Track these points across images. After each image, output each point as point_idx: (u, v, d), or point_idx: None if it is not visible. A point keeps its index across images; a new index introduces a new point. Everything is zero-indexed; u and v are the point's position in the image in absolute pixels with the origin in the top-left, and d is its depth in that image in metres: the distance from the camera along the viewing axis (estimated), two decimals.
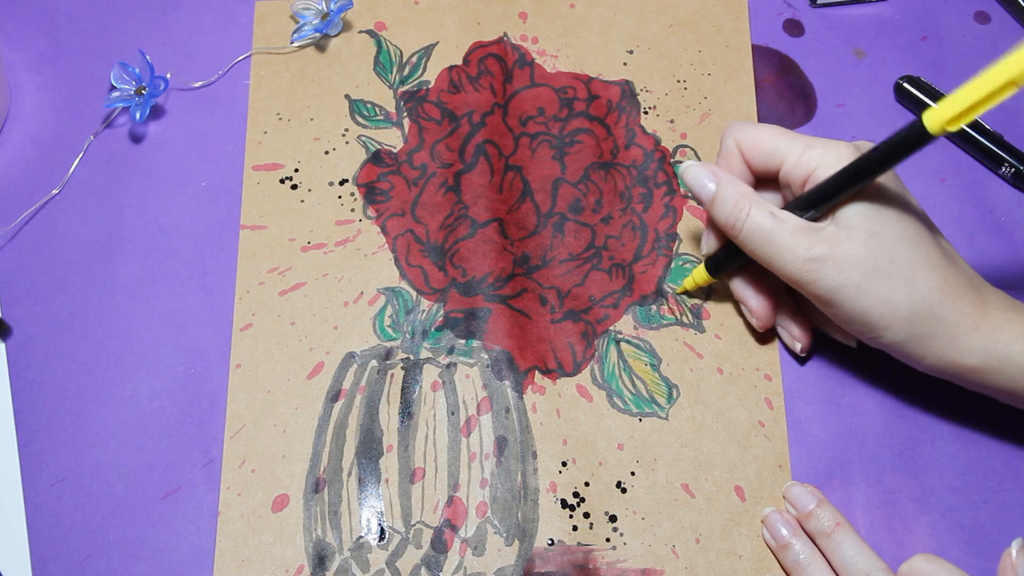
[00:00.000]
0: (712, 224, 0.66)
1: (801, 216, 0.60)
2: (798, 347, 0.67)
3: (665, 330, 0.69)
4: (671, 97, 0.76)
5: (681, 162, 0.73)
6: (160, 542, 0.63)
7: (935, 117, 0.53)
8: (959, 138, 0.74)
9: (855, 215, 0.58)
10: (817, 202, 0.59)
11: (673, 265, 0.71)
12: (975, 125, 0.74)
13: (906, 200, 0.60)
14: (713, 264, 0.67)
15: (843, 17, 0.78)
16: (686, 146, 0.74)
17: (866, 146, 0.59)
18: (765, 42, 0.78)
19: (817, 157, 0.59)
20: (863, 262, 0.57)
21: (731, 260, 0.66)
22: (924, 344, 0.59)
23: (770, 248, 0.60)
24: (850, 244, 0.58)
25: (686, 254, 0.71)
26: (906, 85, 0.75)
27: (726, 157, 0.64)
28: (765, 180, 0.65)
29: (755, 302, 0.67)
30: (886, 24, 0.78)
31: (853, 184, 0.58)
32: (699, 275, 0.68)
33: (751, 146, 0.63)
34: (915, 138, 0.54)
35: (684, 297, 0.70)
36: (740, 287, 0.67)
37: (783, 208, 0.61)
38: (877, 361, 0.68)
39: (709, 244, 0.67)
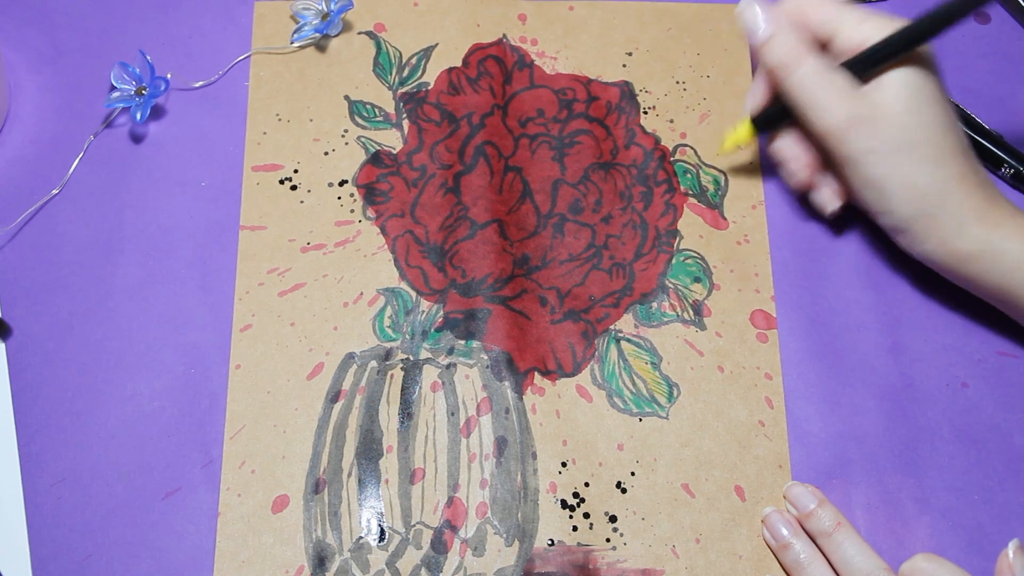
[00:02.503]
0: (762, 78, 0.69)
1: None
2: (836, 205, 0.69)
3: (666, 328, 0.69)
4: (670, 98, 0.76)
5: (681, 161, 0.73)
6: (160, 542, 0.63)
7: None
8: None
9: (898, 89, 0.62)
10: (866, 65, 0.63)
11: (674, 262, 0.71)
12: (975, 126, 0.74)
13: (942, 89, 0.64)
14: (760, 121, 0.70)
15: None
16: (686, 145, 0.74)
17: None
18: None
19: (871, 28, 0.63)
20: (899, 132, 0.62)
21: (776, 118, 0.69)
22: (929, 225, 0.63)
23: (817, 97, 0.63)
24: (892, 113, 0.62)
25: (687, 250, 0.71)
26: None
27: (782, 16, 0.66)
28: None
29: (796, 162, 0.69)
30: None
31: (903, 48, 0.62)
32: (743, 132, 0.71)
33: (810, 9, 0.65)
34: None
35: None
36: (783, 145, 0.69)
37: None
38: (878, 360, 0.68)
39: (755, 98, 0.69)
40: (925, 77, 0.63)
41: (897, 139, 0.61)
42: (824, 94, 0.63)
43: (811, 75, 0.63)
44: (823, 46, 0.66)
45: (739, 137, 0.71)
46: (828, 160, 0.68)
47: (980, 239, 0.62)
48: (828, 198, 0.70)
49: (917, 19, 0.62)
